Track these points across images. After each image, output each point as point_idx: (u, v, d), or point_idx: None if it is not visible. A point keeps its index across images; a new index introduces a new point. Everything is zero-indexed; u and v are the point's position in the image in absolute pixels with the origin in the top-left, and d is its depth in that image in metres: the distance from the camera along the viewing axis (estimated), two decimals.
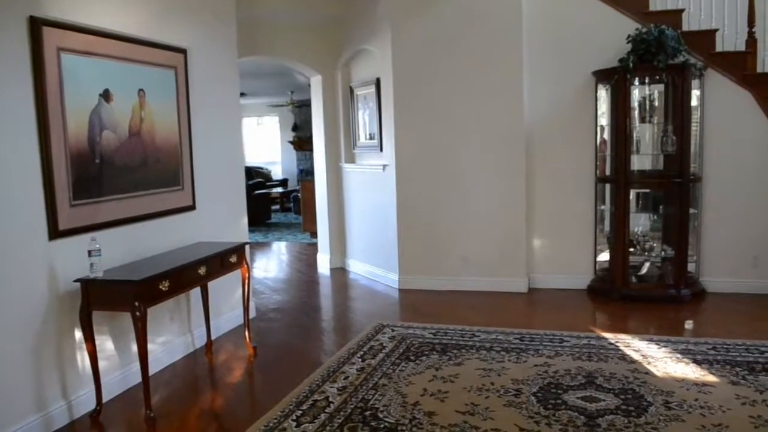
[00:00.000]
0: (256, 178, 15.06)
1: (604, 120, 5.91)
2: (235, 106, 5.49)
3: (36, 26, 3.33)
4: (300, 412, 3.52)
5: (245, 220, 5.59)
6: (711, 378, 3.77)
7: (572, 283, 6.10)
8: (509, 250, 6.13)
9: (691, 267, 5.71)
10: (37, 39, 3.34)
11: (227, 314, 5.23)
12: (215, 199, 5.06)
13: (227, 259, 4.42)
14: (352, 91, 7.30)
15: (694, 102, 5.60)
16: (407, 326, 5.06)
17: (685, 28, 5.82)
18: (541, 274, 6.22)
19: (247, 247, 4.82)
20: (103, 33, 3.82)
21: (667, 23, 5.53)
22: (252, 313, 5.44)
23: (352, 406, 3.57)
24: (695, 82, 5.58)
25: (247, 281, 4.68)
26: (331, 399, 3.68)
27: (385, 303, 6.03)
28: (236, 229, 5.37)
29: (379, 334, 4.87)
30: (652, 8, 5.98)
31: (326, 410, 3.53)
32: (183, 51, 4.64)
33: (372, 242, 7.04)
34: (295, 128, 16.69)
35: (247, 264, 4.70)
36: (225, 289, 5.11)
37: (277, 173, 17.37)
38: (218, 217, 5.10)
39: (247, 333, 4.71)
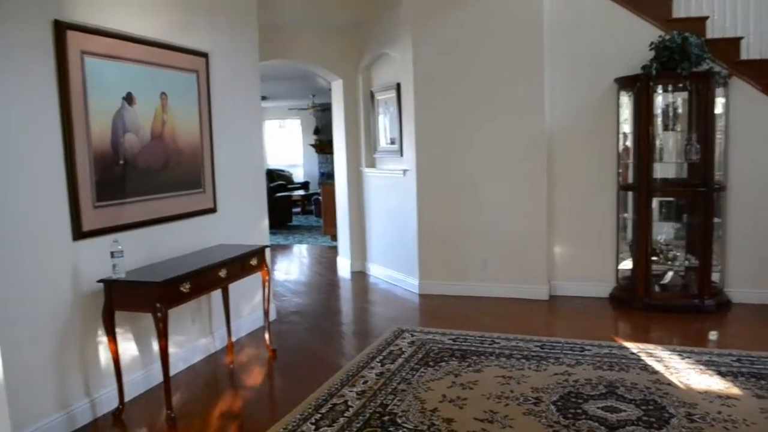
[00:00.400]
0: (277, 180, 15.14)
1: (626, 127, 5.85)
2: (257, 110, 5.53)
3: (60, 30, 3.39)
4: (319, 415, 3.53)
5: (266, 222, 5.62)
6: (735, 391, 3.71)
7: (594, 291, 6.05)
8: (530, 256, 6.09)
9: (715, 277, 5.62)
10: (62, 42, 3.39)
11: (248, 316, 5.26)
12: (236, 202, 5.10)
13: (248, 262, 4.44)
14: (372, 95, 7.32)
15: (718, 110, 5.53)
16: (427, 331, 5.05)
17: (709, 35, 5.75)
18: (562, 282, 6.17)
19: (267, 249, 4.84)
20: (126, 37, 3.87)
21: (691, 30, 5.46)
22: (272, 316, 5.46)
23: (370, 411, 3.57)
24: (719, 90, 5.50)
25: (267, 284, 4.70)
26: (350, 403, 3.68)
27: (405, 307, 6.02)
28: (257, 231, 5.40)
29: (399, 339, 4.86)
30: (675, 15, 5.92)
31: (345, 414, 3.53)
32: (205, 55, 4.68)
33: (392, 246, 7.04)
34: (316, 131, 16.76)
35: (267, 267, 4.72)
36: (246, 292, 5.15)
37: (298, 176, 17.44)
38: (239, 219, 5.13)
39: (267, 335, 4.73)
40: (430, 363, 4.32)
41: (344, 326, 5.61)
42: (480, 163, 6.17)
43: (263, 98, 11.06)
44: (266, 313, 4.74)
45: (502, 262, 6.18)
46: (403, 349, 4.62)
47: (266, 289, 4.71)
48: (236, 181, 5.11)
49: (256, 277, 4.85)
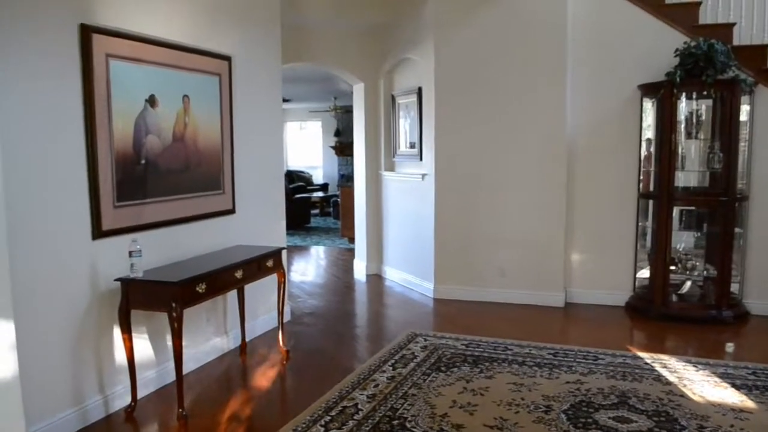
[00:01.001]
0: (297, 182, 15.22)
1: (649, 134, 5.80)
2: (278, 112, 5.57)
3: (86, 33, 3.45)
4: (329, 417, 3.55)
5: (283, 224, 5.65)
6: (749, 404, 3.66)
7: (610, 299, 6.00)
8: (547, 263, 6.06)
9: (734, 288, 5.55)
10: (87, 45, 3.46)
11: (262, 317, 5.30)
12: (255, 204, 5.14)
13: (264, 264, 4.48)
14: (393, 99, 7.33)
15: (743, 118, 5.46)
16: (440, 336, 5.05)
17: (736, 42, 5.68)
18: (578, 289, 6.13)
19: (284, 251, 4.88)
20: (150, 40, 3.93)
21: (717, 37, 5.40)
22: (287, 317, 5.50)
23: (380, 415, 3.58)
24: (745, 98, 5.44)
25: (282, 285, 4.74)
26: (360, 406, 3.70)
27: (420, 312, 6.03)
28: (275, 233, 5.44)
29: (412, 343, 4.87)
30: (702, 21, 5.85)
31: (354, 417, 3.55)
32: (228, 58, 4.73)
33: (408, 250, 7.05)
34: (337, 134, 16.82)
35: (283, 269, 4.76)
36: (261, 292, 5.18)
37: (318, 178, 17.52)
38: (257, 221, 5.17)
39: (281, 336, 4.77)
40: (442, 368, 4.32)
41: (358, 329, 5.64)
42: (499, 169, 6.15)
43: (285, 100, 11.14)
44: (281, 314, 4.78)
45: (518, 269, 6.16)
46: (416, 354, 4.63)
47: (281, 291, 4.75)
48: (255, 183, 5.16)
49: (272, 278, 4.88)
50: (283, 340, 4.77)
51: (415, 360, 4.49)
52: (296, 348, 4.92)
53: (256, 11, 5.17)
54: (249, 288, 4.78)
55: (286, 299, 4.96)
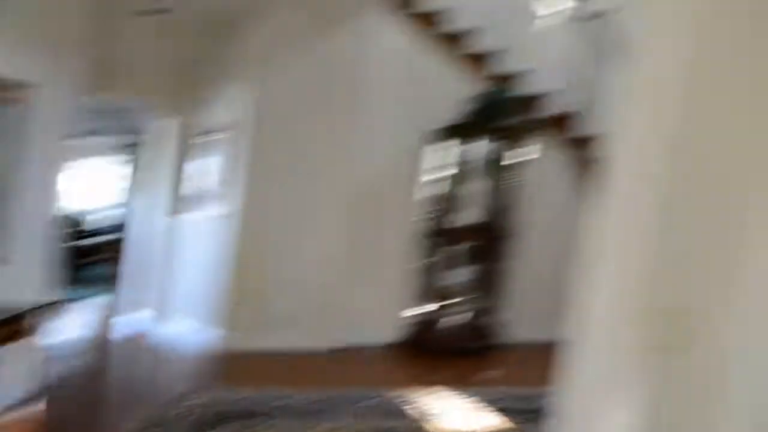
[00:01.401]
0: (80, 226, 14.08)
1: (430, 177, 6.22)
2: (65, 150, 5.17)
3: None
4: None
5: (54, 276, 5.12)
6: (501, 426, 4.12)
7: (385, 337, 6.26)
8: (329, 306, 6.19)
9: (497, 320, 6.06)
10: None
11: (14, 385, 4.80)
12: (24, 253, 4.62)
13: (19, 324, 4.09)
14: (197, 136, 7.11)
15: (518, 160, 6.07)
16: (210, 393, 4.87)
17: (526, 90, 6.33)
18: (355, 329, 6.26)
19: (50, 307, 4.48)
20: None
21: (505, 85, 6.05)
22: (43, 384, 5.03)
23: None
24: (522, 143, 6.05)
25: (39, 348, 4.37)
26: None
27: (200, 365, 5.84)
28: (46, 285, 4.93)
29: (183, 402, 4.66)
30: (493, 70, 6.36)
31: None
32: (23, 86, 4.29)
33: (198, 298, 6.71)
34: (136, 171, 15.91)
35: (41, 329, 4.36)
36: (13, 357, 4.70)
37: (107, 220, 16.33)
38: (25, 273, 4.66)
39: (34, 408, 4.37)
40: (207, 429, 4.19)
41: (124, 392, 5.26)
42: (296, 213, 6.19)
43: (86, 135, 10.31)
44: (35, 381, 4.39)
45: (306, 313, 6.18)
46: (182, 415, 4.42)
47: (38, 355, 4.38)
48: (27, 230, 4.63)
49: (28, 341, 4.46)
50: (36, 413, 4.37)
51: (181, 422, 4.31)
52: (52, 420, 4.50)
53: (61, 38, 4.76)
54: None
55: (44, 364, 4.57)
